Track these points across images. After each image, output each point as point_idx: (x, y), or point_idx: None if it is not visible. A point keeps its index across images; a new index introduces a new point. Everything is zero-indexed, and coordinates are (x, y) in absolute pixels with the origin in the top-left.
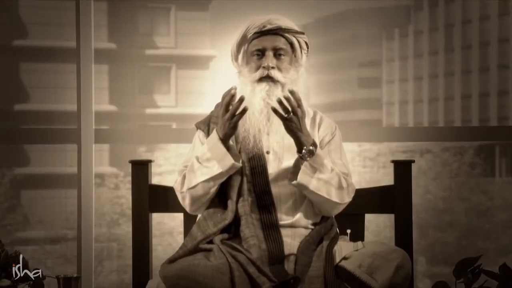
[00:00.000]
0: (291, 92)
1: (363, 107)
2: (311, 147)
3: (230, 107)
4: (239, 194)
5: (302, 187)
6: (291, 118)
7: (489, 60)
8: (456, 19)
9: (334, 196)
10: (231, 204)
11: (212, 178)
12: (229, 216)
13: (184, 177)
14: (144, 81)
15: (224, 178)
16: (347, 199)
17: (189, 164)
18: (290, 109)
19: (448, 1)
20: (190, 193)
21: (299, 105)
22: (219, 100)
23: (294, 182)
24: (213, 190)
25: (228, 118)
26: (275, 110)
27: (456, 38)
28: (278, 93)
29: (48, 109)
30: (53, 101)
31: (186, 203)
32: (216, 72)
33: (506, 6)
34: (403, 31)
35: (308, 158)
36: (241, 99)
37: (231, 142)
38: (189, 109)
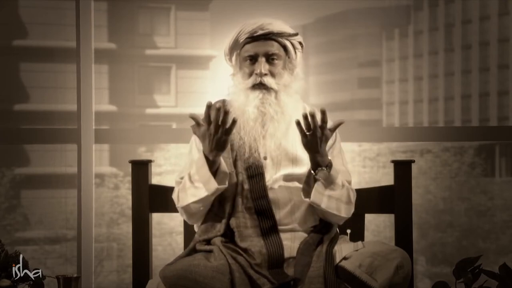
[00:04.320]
0: (322, 112)
1: (363, 107)
2: (325, 169)
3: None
4: (233, 206)
5: (314, 205)
6: (309, 136)
7: (489, 60)
8: (456, 19)
9: (343, 212)
10: (226, 216)
11: (201, 200)
12: (222, 228)
13: (179, 192)
14: (144, 81)
15: (212, 199)
16: (349, 214)
17: (183, 181)
18: (311, 126)
19: (448, 1)
20: (185, 210)
21: (323, 127)
22: (218, 99)
23: (307, 200)
24: (205, 208)
25: (222, 132)
26: (298, 123)
27: (456, 38)
28: (272, 100)
29: (48, 109)
30: (53, 101)
31: (183, 217)
32: (216, 72)
33: (506, 6)
34: (403, 31)
35: (321, 178)
36: (226, 111)
37: (225, 155)
38: (189, 109)
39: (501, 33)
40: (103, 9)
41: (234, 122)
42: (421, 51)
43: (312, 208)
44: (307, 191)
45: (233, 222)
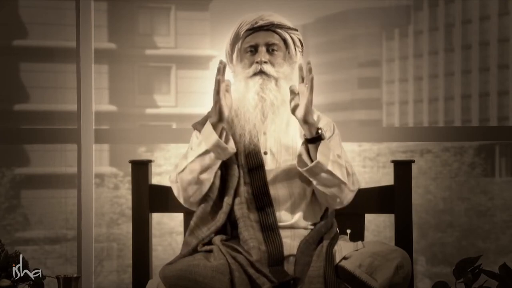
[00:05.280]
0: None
1: (363, 107)
2: (320, 130)
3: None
4: (235, 196)
5: (318, 168)
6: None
7: (489, 60)
8: (456, 19)
9: (347, 180)
10: (225, 206)
11: (198, 158)
12: (221, 218)
13: (179, 161)
14: (144, 81)
15: (210, 159)
16: (353, 187)
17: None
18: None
19: (448, 1)
20: (180, 178)
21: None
22: None
23: (314, 162)
24: (204, 176)
25: (214, 96)
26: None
27: (456, 38)
28: (272, 87)
29: (48, 109)
30: (53, 101)
31: (180, 194)
32: (216, 72)
33: (506, 6)
34: (403, 31)
35: (326, 136)
36: (219, 68)
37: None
38: (189, 109)
39: (501, 33)
40: (103, 9)
41: (219, 81)
42: (421, 51)
43: (312, 205)
44: (304, 162)
45: (237, 212)
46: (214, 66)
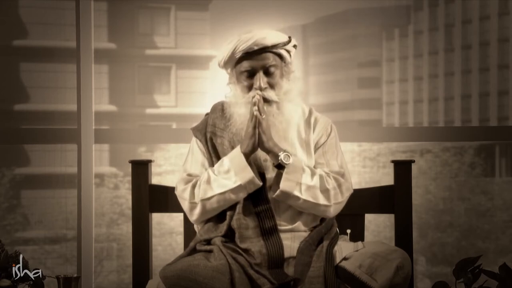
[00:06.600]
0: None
1: (363, 107)
2: (284, 153)
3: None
4: (235, 207)
5: (286, 196)
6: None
7: (489, 60)
8: (456, 19)
9: (321, 199)
10: (228, 218)
11: (231, 191)
12: (223, 229)
13: (193, 187)
14: (144, 81)
15: (242, 194)
16: (340, 198)
17: (203, 175)
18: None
19: (448, 1)
20: (203, 204)
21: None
22: (218, 100)
23: (278, 192)
24: (225, 206)
25: (251, 129)
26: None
27: (456, 38)
28: (275, 112)
29: (48, 109)
30: (53, 101)
31: (195, 213)
32: (216, 72)
33: (506, 6)
34: (403, 31)
35: (287, 162)
36: (254, 102)
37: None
38: (189, 109)
39: (501, 33)
40: (103, 9)
41: (256, 116)
42: (421, 51)
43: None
44: (274, 189)
45: (234, 222)
46: (214, 66)
